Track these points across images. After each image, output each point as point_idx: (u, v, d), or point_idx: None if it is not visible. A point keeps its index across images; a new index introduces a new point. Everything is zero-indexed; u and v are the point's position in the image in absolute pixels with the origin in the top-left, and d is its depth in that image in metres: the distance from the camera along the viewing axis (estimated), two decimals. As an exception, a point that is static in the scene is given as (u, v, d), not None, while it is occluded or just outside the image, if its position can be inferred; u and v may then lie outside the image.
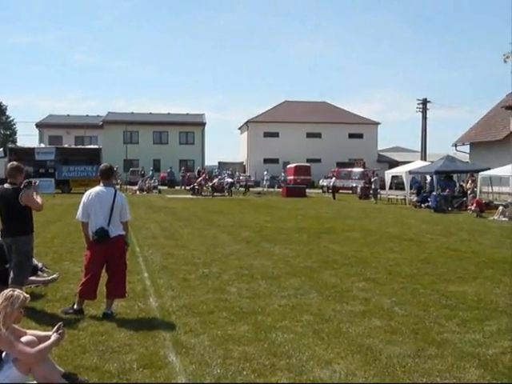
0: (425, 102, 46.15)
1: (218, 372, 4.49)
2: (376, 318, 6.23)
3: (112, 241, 6.15)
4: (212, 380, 4.32)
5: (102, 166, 6.58)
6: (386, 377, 4.44)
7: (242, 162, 63.94)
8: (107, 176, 6.40)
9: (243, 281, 8.27)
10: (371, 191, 33.58)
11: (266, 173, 48.28)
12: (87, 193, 6.40)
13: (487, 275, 8.93)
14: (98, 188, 6.34)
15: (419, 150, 49.15)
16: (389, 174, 34.27)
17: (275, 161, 59.72)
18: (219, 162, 61.03)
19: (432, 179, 29.24)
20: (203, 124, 61.28)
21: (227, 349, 5.08)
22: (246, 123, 63.94)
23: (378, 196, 32.65)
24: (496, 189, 28.19)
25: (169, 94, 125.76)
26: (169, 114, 63.02)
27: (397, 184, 36.04)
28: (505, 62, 18.08)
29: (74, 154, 36.68)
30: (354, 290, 7.75)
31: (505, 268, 9.69)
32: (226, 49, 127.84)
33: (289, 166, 50.26)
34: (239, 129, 71.12)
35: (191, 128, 60.46)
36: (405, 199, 30.27)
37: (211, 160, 64.24)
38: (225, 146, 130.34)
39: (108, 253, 6.18)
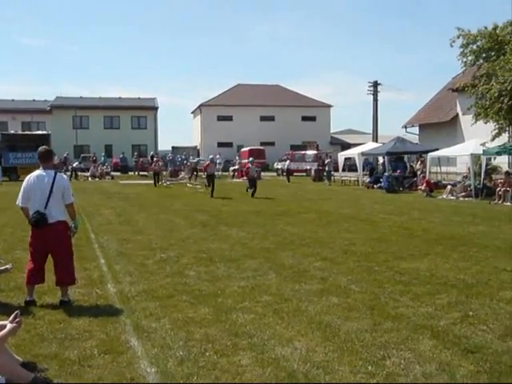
0: (375, 85, 46.83)
1: (180, 354, 4.51)
2: (333, 295, 6.38)
3: (51, 226, 5.99)
4: (175, 362, 4.34)
5: (40, 148, 6.38)
6: (345, 351, 4.56)
7: (196, 146, 63.47)
8: (46, 159, 6.25)
9: (202, 264, 8.28)
10: (325, 173, 34.02)
11: (218, 156, 48.03)
12: (27, 177, 6.29)
13: (437, 252, 9.25)
14: (38, 172, 6.19)
15: (371, 132, 50.05)
16: (342, 156, 34.78)
17: (229, 144, 59.63)
18: (172, 147, 60.33)
19: (384, 160, 29.87)
20: (155, 108, 60.36)
21: (189, 331, 5.10)
22: (199, 107, 63.46)
23: (332, 178, 33.13)
24: (444, 169, 29.10)
25: (120, 78, 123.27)
26: (120, 98, 61.70)
27: (350, 166, 36.60)
28: (451, 46, 18.55)
29: (22, 140, 35.52)
30: (311, 269, 7.90)
31: (454, 244, 10.06)
32: (178, 32, 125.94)
33: (243, 150, 50.21)
34: (192, 113, 70.51)
35: (143, 112, 59.49)
36: (358, 180, 30.85)
37: (164, 145, 63.71)
38: (178, 130, 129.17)
39: (47, 238, 6.01)
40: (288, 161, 40.64)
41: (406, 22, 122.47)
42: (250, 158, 24.96)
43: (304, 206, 17.95)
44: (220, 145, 59.02)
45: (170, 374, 4.12)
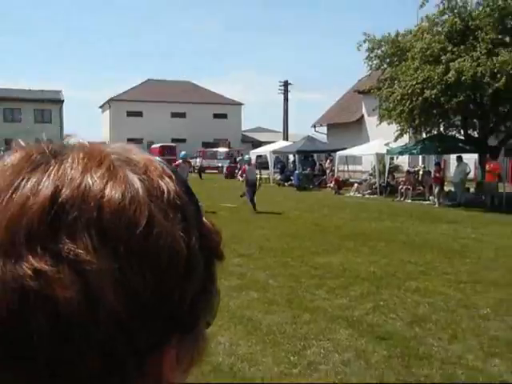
0: (286, 84, 48.02)
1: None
2: (253, 290, 6.53)
3: None
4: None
5: None
6: (268, 344, 4.71)
7: (105, 142, 61.53)
8: None
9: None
10: (237, 170, 34.31)
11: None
12: None
13: (349, 247, 9.69)
14: None
15: (281, 130, 51.19)
16: (253, 154, 35.25)
17: (139, 141, 58.31)
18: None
19: (294, 158, 30.65)
20: (61, 101, 57.81)
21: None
22: (108, 101, 61.62)
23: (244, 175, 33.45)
24: (351, 167, 30.40)
25: (24, 70, 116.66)
26: (22, 89, 58.48)
27: (261, 163, 37.23)
28: (358, 49, 19.38)
29: None
30: (229, 266, 7.97)
31: (364, 239, 10.59)
32: (85, 24, 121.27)
33: (153, 146, 49.36)
34: (101, 107, 68.31)
35: (47, 105, 56.72)
36: (269, 178, 31.43)
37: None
38: (85, 124, 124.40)
39: None
40: (200, 158, 40.63)
41: (319, 23, 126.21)
42: (246, 156, 19.99)
43: (217, 203, 18.04)
44: (130, 141, 53.46)
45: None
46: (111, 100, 60.95)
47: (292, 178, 27.54)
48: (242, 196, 17.23)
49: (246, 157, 21.39)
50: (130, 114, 60.05)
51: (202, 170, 36.42)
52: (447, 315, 5.60)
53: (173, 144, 50.68)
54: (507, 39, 16.36)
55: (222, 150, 44.41)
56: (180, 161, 16.18)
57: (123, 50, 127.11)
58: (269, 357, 4.42)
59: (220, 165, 41.36)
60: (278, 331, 5.03)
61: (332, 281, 7.07)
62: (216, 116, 62.86)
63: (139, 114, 60.07)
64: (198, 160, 41.19)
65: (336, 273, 7.56)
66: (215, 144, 50.76)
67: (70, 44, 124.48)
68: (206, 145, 52.65)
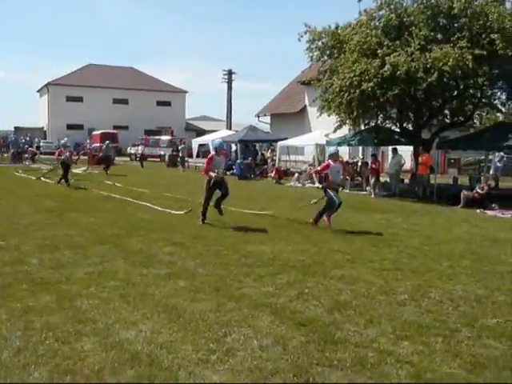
0: (230, 73, 47.89)
1: (17, 345, 4.35)
2: (181, 279, 6.54)
3: None
4: (11, 353, 4.18)
5: None
6: (189, 331, 4.74)
7: (43, 128, 59.62)
8: None
9: (45, 251, 7.93)
10: (179, 159, 34.03)
11: (66, 139, 45.44)
12: None
13: (282, 236, 9.83)
14: None
15: (225, 119, 51.06)
16: (196, 143, 35.06)
17: (80, 127, 56.86)
18: (15, 127, 56.06)
19: (236, 148, 30.70)
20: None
21: (28, 320, 4.91)
22: (47, 85, 59.51)
23: (186, 164, 33.26)
24: (293, 157, 30.77)
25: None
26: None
27: (204, 152, 37.00)
28: (299, 40, 19.52)
29: None
30: (160, 254, 7.97)
31: (298, 228, 10.79)
32: (19, 4, 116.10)
33: (94, 133, 48.26)
34: (38, 91, 65.87)
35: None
36: (211, 167, 31.29)
37: (5, 124, 58.76)
38: (22, 109, 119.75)
39: None
40: (142, 146, 40.00)
41: (265, 14, 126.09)
42: (217, 141, 13.39)
43: (157, 191, 17.86)
44: (69, 127, 55.99)
45: (4, 366, 3.97)
46: (49, 84, 58.90)
47: (234, 167, 27.58)
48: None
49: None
50: (69, 99, 58.28)
51: (143, 158, 35.87)
52: (367, 301, 5.81)
53: (114, 131, 49.66)
54: (439, 36, 16.93)
55: (165, 138, 43.88)
56: (212, 152, 11.84)
57: (62, 33, 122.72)
58: (189, 344, 4.45)
59: (162, 153, 40.87)
60: (200, 319, 5.07)
61: (261, 269, 7.17)
62: (159, 103, 61.98)
63: (79, 99, 58.42)
64: (139, 148, 40.54)
65: (266, 261, 7.67)
66: (158, 132, 50.04)
67: (4, 22, 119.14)
68: (148, 132, 51.81)
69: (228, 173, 27.82)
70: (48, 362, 4.04)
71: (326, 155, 24.81)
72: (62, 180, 19.18)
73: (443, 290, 6.31)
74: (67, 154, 19.62)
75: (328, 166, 11.17)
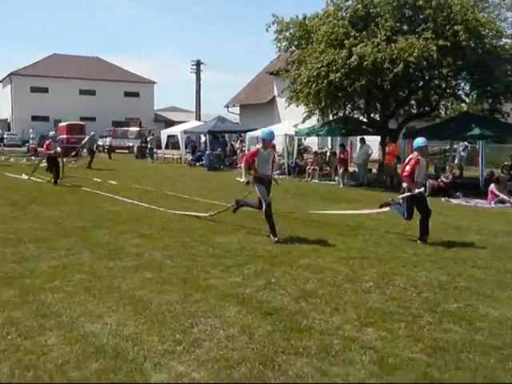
0: (198, 64, 47.51)
1: (-22, 340, 4.27)
2: (148, 271, 6.50)
3: None
4: (-28, 349, 4.10)
5: None
6: (155, 323, 4.73)
7: (7, 119, 58.22)
8: None
9: (8, 245, 7.78)
10: (148, 150, 33.71)
11: (31, 131, 44.60)
12: None
13: (251, 226, 9.82)
14: None
15: (194, 110, 50.73)
16: (165, 134, 34.74)
17: (45, 118, 55.74)
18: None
19: (206, 139, 30.55)
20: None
21: (-10, 316, 4.82)
22: (9, 76, 58.03)
23: (155, 155, 32.97)
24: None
25: None
26: None
27: (173, 143, 36.74)
28: (267, 30, 19.53)
29: None
30: (127, 246, 7.90)
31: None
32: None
33: (61, 125, 47.27)
34: (1, 82, 64.19)
35: None
36: (181, 158, 31.14)
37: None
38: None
39: None
40: (110, 137, 39.46)
41: (233, 4, 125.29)
42: (265, 130, 9.39)
43: (125, 183, 17.68)
44: (34, 118, 54.86)
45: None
46: (13, 74, 57.44)
47: (203, 158, 27.47)
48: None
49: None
50: (34, 89, 57.00)
51: (111, 149, 35.41)
52: (333, 290, 5.88)
53: (81, 122, 48.74)
54: (405, 27, 17.15)
55: (133, 129, 43.37)
56: (258, 146, 9.00)
57: (26, 23, 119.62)
58: (155, 336, 4.44)
59: (131, 144, 40.41)
60: (167, 310, 5.06)
61: (228, 260, 7.18)
62: (127, 94, 61.17)
63: (44, 89, 57.18)
64: (107, 139, 40.01)
65: (234, 252, 7.67)
66: (126, 123, 49.40)
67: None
68: (116, 124, 51.09)
69: (197, 164, 27.88)
70: (9, 358, 3.97)
71: (295, 145, 25.32)
72: (58, 179, 16.79)
73: (407, 277, 6.43)
74: (58, 148, 17.22)
75: (256, 153, 8.79)
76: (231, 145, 30.82)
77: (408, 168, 8.66)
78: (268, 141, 8.84)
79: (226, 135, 31.47)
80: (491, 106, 18.67)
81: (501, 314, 5.15)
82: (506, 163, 19.59)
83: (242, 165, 9.32)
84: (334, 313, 5.12)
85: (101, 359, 3.98)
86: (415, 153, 8.85)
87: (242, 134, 29.78)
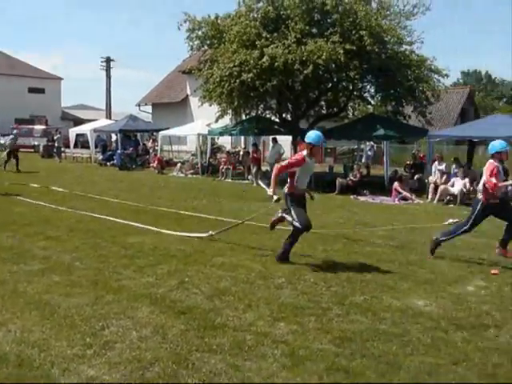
0: (108, 61, 46.22)
1: None
2: (56, 274, 6.25)
3: None
4: None
5: None
6: (64, 327, 4.56)
7: None
8: None
9: None
10: (55, 149, 32.29)
11: None
12: None
13: (163, 226, 9.67)
14: None
15: (104, 108, 49.28)
16: (73, 132, 33.48)
17: None
18: None
19: (117, 137, 29.78)
20: None
21: None
22: None
23: (63, 154, 31.67)
24: (177, 147, 30.49)
25: None
26: None
27: (82, 142, 35.44)
28: (179, 29, 19.37)
29: None
30: (33, 249, 7.55)
31: (178, 218, 10.75)
32: None
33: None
34: None
35: None
36: (91, 157, 30.15)
37: None
38: None
39: None
40: (12, 136, 37.27)
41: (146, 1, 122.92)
42: (314, 134, 7.23)
43: (32, 184, 16.83)
44: None
45: None
46: None
47: (114, 157, 26.75)
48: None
49: None
50: None
51: (15, 148, 33.46)
52: (246, 287, 5.96)
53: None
54: (314, 31, 17.66)
55: (39, 127, 41.38)
56: (303, 152, 7.11)
57: None
58: (63, 340, 4.29)
59: (36, 143, 38.53)
60: (76, 314, 4.90)
61: (141, 260, 7.07)
62: (32, 90, 58.11)
63: None
64: (8, 138, 37.77)
65: (146, 252, 7.57)
66: (31, 121, 46.98)
67: None
68: (19, 121, 48.41)
69: (108, 163, 27.08)
70: None
71: (209, 145, 25.32)
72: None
73: (318, 273, 6.65)
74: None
75: (301, 161, 7.05)
76: (143, 144, 30.26)
77: (494, 180, 7.18)
78: (317, 147, 7.13)
79: (138, 134, 30.86)
80: (394, 108, 19.67)
81: (403, 304, 5.47)
82: (408, 162, 20.70)
83: (273, 174, 7.21)
84: (247, 309, 5.19)
85: (3, 368, 3.78)
86: (491, 160, 7.46)
87: (155, 133, 29.34)
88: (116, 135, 29.50)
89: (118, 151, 26.56)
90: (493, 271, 6.88)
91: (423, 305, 5.48)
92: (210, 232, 8.62)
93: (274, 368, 3.91)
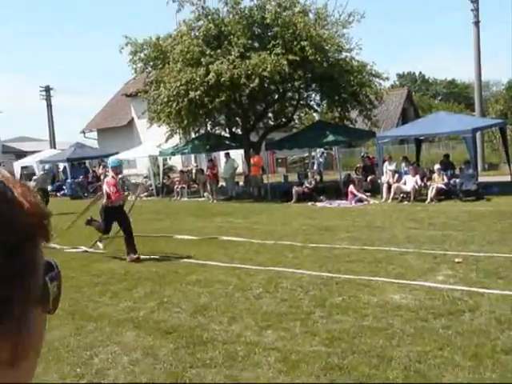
0: (48, 90, 45.26)
1: None
2: (30, 309, 6.11)
3: None
4: None
5: None
6: (51, 361, 4.49)
7: None
8: None
9: None
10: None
11: None
12: None
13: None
14: None
15: (48, 138, 48.14)
16: (18, 165, 32.55)
17: None
18: None
19: (65, 167, 29.17)
20: None
21: None
22: None
23: (9, 189, 30.70)
24: (127, 171, 30.08)
25: None
26: None
27: (28, 175, 34.46)
28: (120, 52, 19.28)
29: None
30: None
31: (144, 241, 10.64)
32: None
33: None
34: None
35: None
36: (39, 190, 29.34)
37: None
38: None
39: None
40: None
41: (80, 30, 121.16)
42: None
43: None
44: None
45: None
46: None
47: (64, 187, 26.18)
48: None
49: None
50: None
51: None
52: (226, 300, 6.02)
53: None
54: (256, 44, 17.98)
55: (-20, 163, 39.94)
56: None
57: None
58: (53, 374, 4.23)
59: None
60: (61, 346, 4.83)
61: (115, 286, 7.01)
62: (-32, 126, 56.21)
63: None
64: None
65: (119, 277, 7.51)
66: (-30, 157, 45.36)
67: None
68: (-42, 159, 46.66)
69: (59, 194, 26.45)
70: None
71: (161, 166, 25.16)
72: None
73: (293, 279, 6.78)
74: None
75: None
76: (93, 171, 29.73)
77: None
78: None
79: (87, 161, 30.33)
80: (340, 113, 20.21)
81: (380, 300, 5.66)
82: (358, 165, 21.26)
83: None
84: (232, 322, 5.25)
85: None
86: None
87: (104, 159, 28.91)
88: (64, 165, 28.89)
89: (68, 180, 26.02)
90: (457, 260, 7.20)
91: (399, 298, 5.69)
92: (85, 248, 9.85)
93: (271, 374, 3.99)
